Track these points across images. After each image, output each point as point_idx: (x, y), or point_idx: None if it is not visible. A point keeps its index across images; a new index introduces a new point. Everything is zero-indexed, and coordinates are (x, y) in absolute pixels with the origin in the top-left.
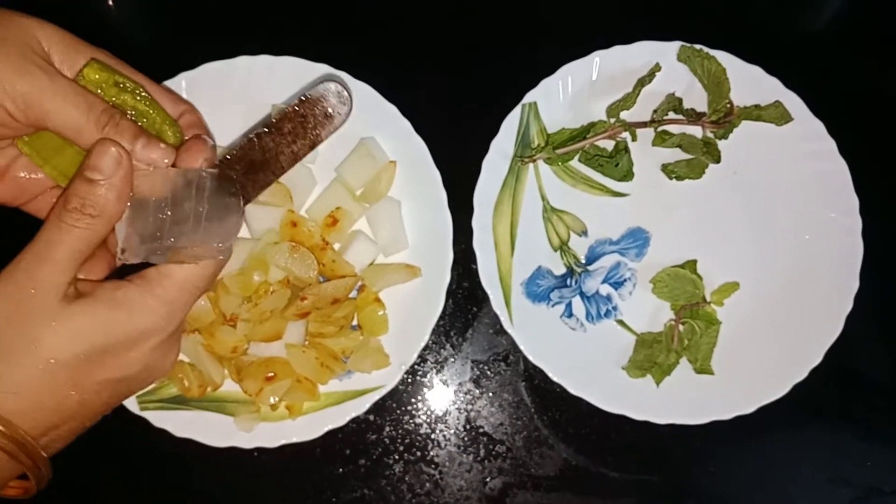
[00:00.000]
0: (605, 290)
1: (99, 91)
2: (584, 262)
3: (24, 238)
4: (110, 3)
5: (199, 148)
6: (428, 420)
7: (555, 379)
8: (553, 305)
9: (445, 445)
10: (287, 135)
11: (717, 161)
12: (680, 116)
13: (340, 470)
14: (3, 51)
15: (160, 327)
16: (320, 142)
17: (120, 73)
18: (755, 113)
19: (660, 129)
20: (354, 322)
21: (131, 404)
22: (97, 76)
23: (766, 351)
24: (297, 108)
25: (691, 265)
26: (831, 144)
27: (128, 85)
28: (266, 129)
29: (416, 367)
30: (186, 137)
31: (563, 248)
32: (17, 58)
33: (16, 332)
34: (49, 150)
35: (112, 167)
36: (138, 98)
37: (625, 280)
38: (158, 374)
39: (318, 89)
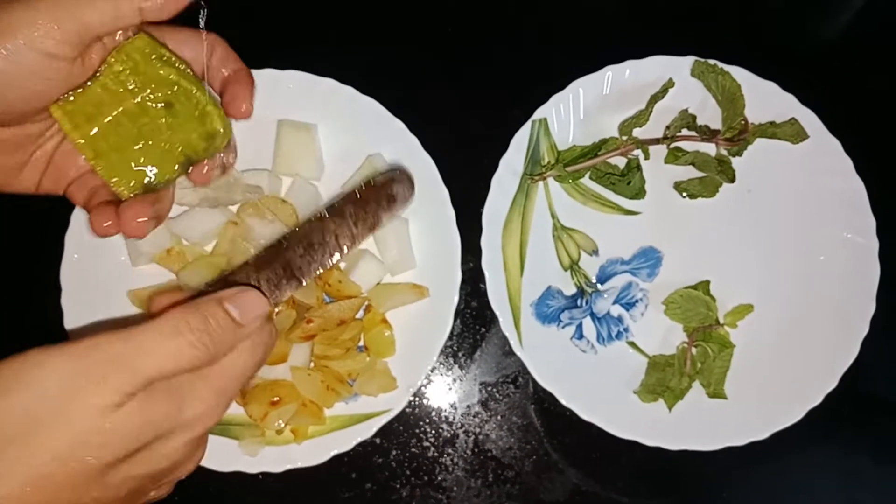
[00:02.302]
0: (617, 311)
1: (144, 60)
2: (594, 282)
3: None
4: None
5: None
6: (435, 443)
7: (565, 403)
8: (563, 327)
9: (453, 470)
10: (348, 217)
11: (732, 180)
12: (693, 133)
13: (346, 494)
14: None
15: (203, 419)
16: (381, 225)
17: (166, 46)
18: (770, 130)
19: (673, 145)
20: (360, 343)
21: None
22: (145, 45)
23: (781, 375)
24: (359, 194)
25: (704, 286)
26: (848, 163)
27: (173, 59)
28: (328, 212)
29: (423, 388)
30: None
31: (573, 267)
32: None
33: (55, 417)
34: (82, 117)
35: (256, 322)
36: (182, 74)
37: (636, 301)
38: (182, 472)
39: (385, 175)
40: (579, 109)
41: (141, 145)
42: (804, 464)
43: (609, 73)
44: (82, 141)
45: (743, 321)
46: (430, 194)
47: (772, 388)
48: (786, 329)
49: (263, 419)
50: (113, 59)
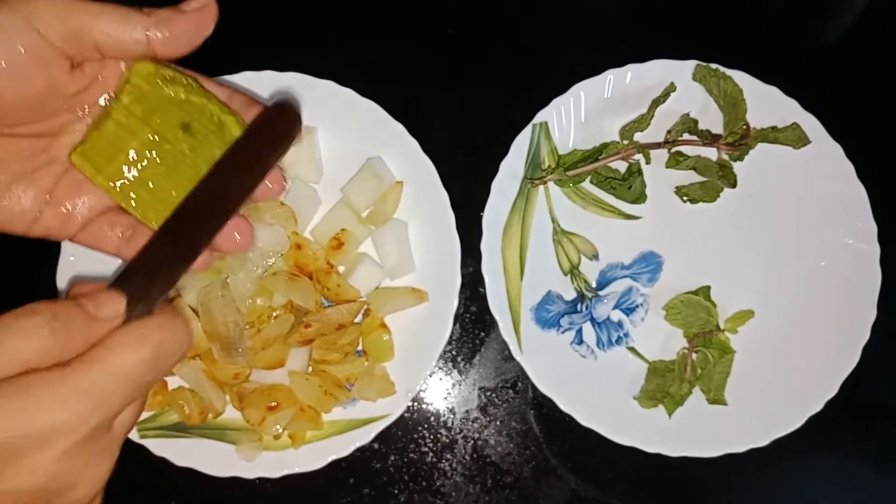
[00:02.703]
0: (617, 316)
1: (150, 85)
2: (594, 286)
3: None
4: None
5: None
6: (434, 449)
7: (564, 409)
8: (563, 332)
9: (452, 475)
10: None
11: (733, 185)
12: (695, 138)
13: (344, 500)
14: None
15: (72, 425)
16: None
17: (169, 66)
18: (772, 135)
19: (674, 150)
20: (359, 348)
21: (131, 433)
22: (148, 69)
23: (781, 381)
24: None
25: (705, 291)
26: (849, 168)
27: (179, 77)
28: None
29: (421, 393)
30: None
31: (573, 272)
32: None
33: None
34: (102, 158)
35: (111, 315)
36: (191, 90)
37: (637, 306)
38: (81, 491)
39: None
40: (580, 113)
41: (167, 174)
42: (804, 471)
43: (610, 76)
44: (109, 183)
45: (743, 327)
46: (430, 197)
47: (772, 395)
48: (786, 335)
49: (261, 424)
50: (120, 92)
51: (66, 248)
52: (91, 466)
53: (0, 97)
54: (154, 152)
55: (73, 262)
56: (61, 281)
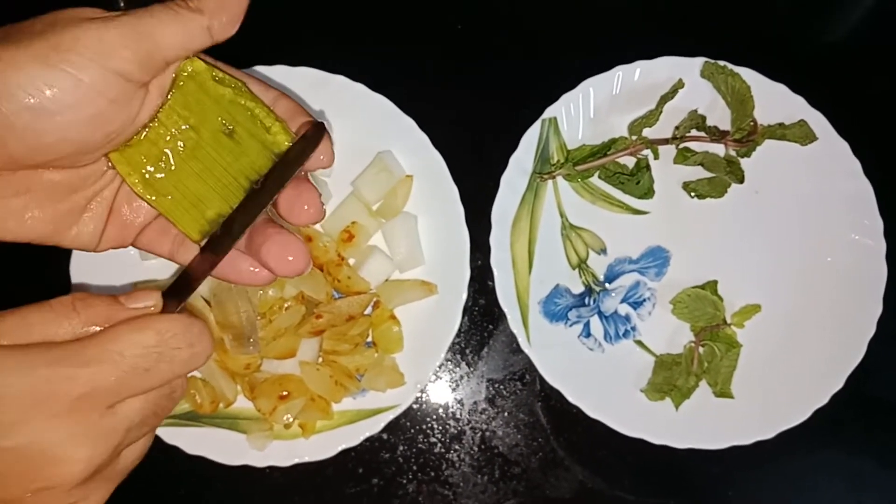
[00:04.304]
0: (624, 309)
1: (197, 85)
2: (602, 280)
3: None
4: (122, 3)
5: (302, 202)
6: (442, 440)
7: (572, 401)
8: (571, 325)
9: (460, 466)
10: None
11: (741, 181)
12: (702, 134)
13: (353, 489)
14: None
15: (58, 395)
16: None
17: (217, 66)
18: (779, 132)
19: (682, 146)
20: (369, 339)
21: None
22: (199, 68)
23: (787, 375)
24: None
25: (712, 286)
26: (856, 165)
27: (227, 78)
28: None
29: (430, 385)
30: (294, 129)
31: (581, 266)
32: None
33: None
34: (140, 159)
35: (137, 304)
36: (240, 93)
37: (644, 300)
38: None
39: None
40: (589, 109)
41: (204, 179)
42: (810, 464)
43: (619, 73)
44: (145, 184)
45: (750, 321)
46: (440, 191)
47: (778, 388)
48: (793, 329)
49: (272, 413)
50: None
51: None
52: (95, 486)
53: (87, 145)
54: (194, 155)
55: (87, 253)
56: (75, 271)
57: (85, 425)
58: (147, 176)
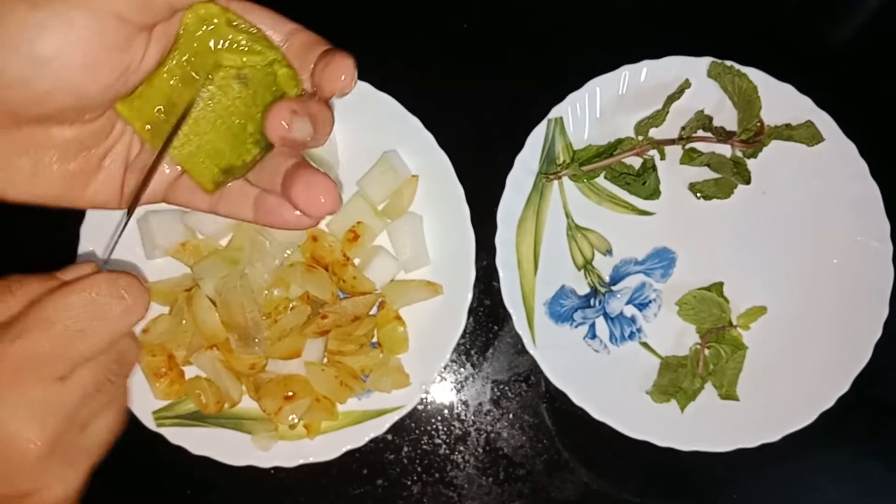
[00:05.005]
0: (630, 311)
1: (209, 30)
2: (608, 282)
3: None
4: None
5: (336, 71)
6: (447, 441)
7: (577, 402)
8: (576, 326)
9: (465, 467)
10: None
11: (747, 182)
12: (709, 134)
13: (358, 490)
14: None
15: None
16: None
17: (231, 11)
18: (786, 132)
19: (688, 146)
20: (374, 339)
21: (148, 420)
22: (212, 11)
23: (793, 377)
24: None
25: (718, 287)
26: (863, 166)
27: (243, 25)
28: None
29: (435, 385)
30: (312, 64)
31: (587, 267)
32: None
33: None
34: (150, 109)
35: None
36: (254, 38)
37: (650, 301)
38: (51, 494)
39: None
40: (595, 109)
41: (218, 129)
42: (816, 467)
43: (626, 72)
44: (150, 136)
45: (756, 323)
46: (445, 191)
47: (784, 391)
48: (799, 331)
49: (277, 414)
50: (177, 38)
51: (85, 239)
52: (61, 465)
53: (82, 92)
54: (206, 103)
55: (93, 253)
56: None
57: (30, 399)
58: (157, 125)
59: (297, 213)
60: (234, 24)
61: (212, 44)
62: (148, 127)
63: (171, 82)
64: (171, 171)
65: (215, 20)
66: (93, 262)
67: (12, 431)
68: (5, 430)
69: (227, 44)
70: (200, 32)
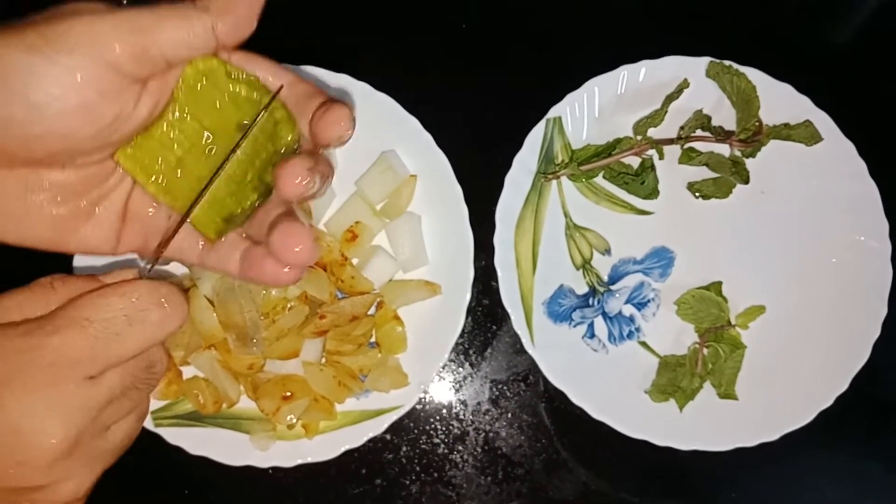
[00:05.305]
0: (628, 310)
1: (209, 82)
2: (606, 281)
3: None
4: (124, 2)
5: (334, 118)
6: (445, 440)
7: (576, 402)
8: (575, 326)
9: (463, 467)
10: None
11: (746, 181)
12: (708, 134)
13: (356, 490)
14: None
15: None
16: None
17: (230, 63)
18: (784, 132)
19: (687, 146)
20: (372, 339)
21: (146, 421)
22: (210, 65)
23: (792, 376)
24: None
25: (716, 287)
26: (861, 166)
27: (242, 76)
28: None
29: (433, 385)
30: (312, 112)
31: (585, 266)
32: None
33: None
34: (151, 160)
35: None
36: (254, 86)
37: (648, 301)
38: (66, 489)
39: None
40: (594, 108)
41: (219, 177)
42: (814, 466)
43: (624, 72)
44: (153, 186)
45: (754, 322)
46: (444, 191)
47: (783, 390)
48: (797, 331)
49: (275, 414)
50: (176, 88)
51: None
52: (77, 464)
53: (74, 136)
54: (208, 154)
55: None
56: (78, 273)
57: (60, 396)
58: (159, 176)
59: (278, 267)
60: (233, 76)
61: (212, 95)
62: (152, 179)
63: (172, 132)
64: (167, 225)
65: (214, 73)
66: (135, 268)
67: (36, 425)
68: (29, 423)
69: (227, 97)
70: (200, 85)
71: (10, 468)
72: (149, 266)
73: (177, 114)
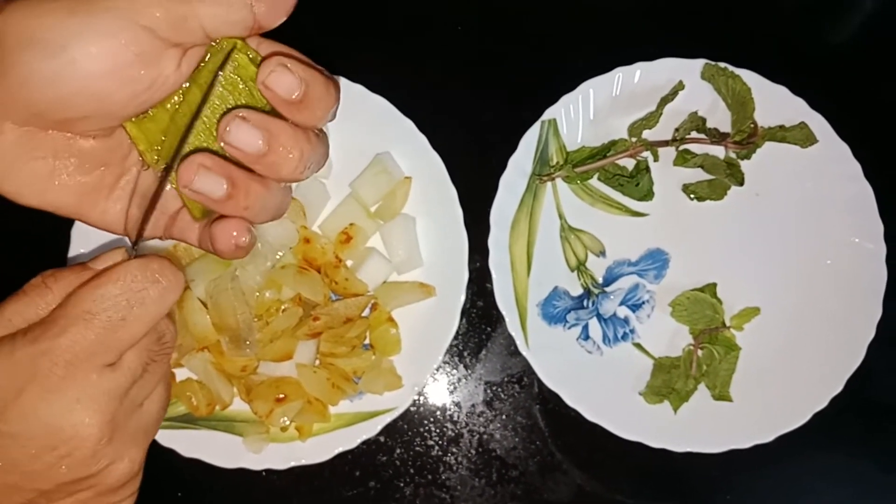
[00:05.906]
0: (623, 312)
1: (235, 66)
2: (601, 283)
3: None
4: None
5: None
6: (440, 442)
7: (570, 404)
8: (569, 328)
9: (457, 469)
10: None
11: (741, 183)
12: (703, 136)
13: (350, 492)
14: None
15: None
16: None
17: (255, 50)
18: (779, 134)
19: (682, 148)
20: (366, 341)
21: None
22: (234, 45)
23: (786, 378)
24: None
25: (711, 288)
26: (856, 167)
27: (259, 59)
28: None
29: (428, 387)
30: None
31: (580, 268)
32: None
33: None
34: (159, 133)
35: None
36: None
37: (643, 302)
38: (117, 471)
39: None
40: (589, 110)
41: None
42: (809, 467)
43: (619, 74)
44: (150, 156)
45: (749, 324)
46: (439, 193)
47: (777, 392)
48: (792, 332)
49: (268, 416)
50: (198, 70)
51: (76, 241)
52: (123, 444)
53: (108, 99)
54: (214, 134)
55: (83, 255)
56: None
57: (85, 389)
58: (160, 148)
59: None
60: (255, 60)
61: (232, 77)
62: (156, 149)
63: (184, 108)
64: (173, 205)
65: (239, 55)
66: (122, 249)
67: (71, 420)
68: (68, 421)
69: (247, 78)
70: (223, 65)
71: (60, 465)
72: (133, 247)
73: (192, 90)
